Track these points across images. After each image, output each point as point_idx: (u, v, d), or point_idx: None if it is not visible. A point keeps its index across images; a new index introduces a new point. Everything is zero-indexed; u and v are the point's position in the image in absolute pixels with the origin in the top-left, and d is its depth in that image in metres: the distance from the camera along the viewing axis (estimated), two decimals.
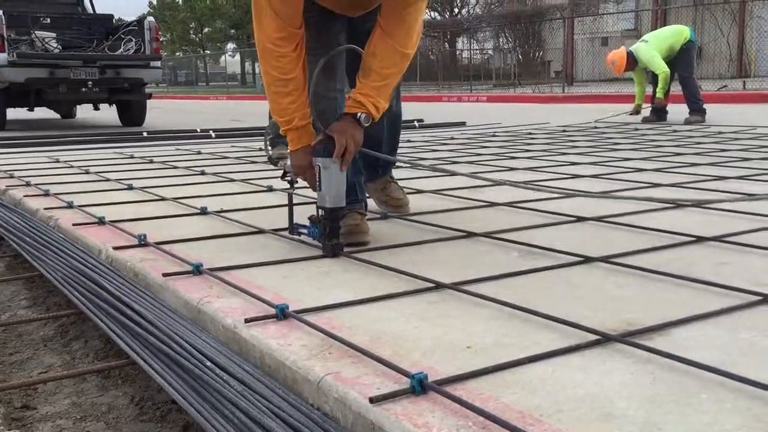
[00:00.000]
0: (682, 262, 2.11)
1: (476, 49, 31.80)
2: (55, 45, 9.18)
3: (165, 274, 2.07)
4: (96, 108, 10.97)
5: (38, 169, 4.84)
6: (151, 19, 10.10)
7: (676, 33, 7.95)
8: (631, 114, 8.28)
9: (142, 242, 2.47)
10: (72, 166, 4.98)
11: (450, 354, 1.45)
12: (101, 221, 2.88)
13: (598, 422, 1.15)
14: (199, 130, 7.83)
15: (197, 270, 2.09)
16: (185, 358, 1.54)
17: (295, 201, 2.47)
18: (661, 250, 2.25)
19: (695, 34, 8.15)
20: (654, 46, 7.77)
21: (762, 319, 1.61)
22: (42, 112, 11.25)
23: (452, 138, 6.65)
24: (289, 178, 2.46)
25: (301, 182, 2.43)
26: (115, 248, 2.44)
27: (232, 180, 4.11)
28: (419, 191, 3.48)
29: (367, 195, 2.83)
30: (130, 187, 3.84)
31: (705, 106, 7.93)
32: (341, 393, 1.28)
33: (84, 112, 12.15)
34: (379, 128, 2.62)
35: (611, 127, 7.43)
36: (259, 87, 28.43)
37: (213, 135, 7.57)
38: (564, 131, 7.15)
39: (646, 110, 8.14)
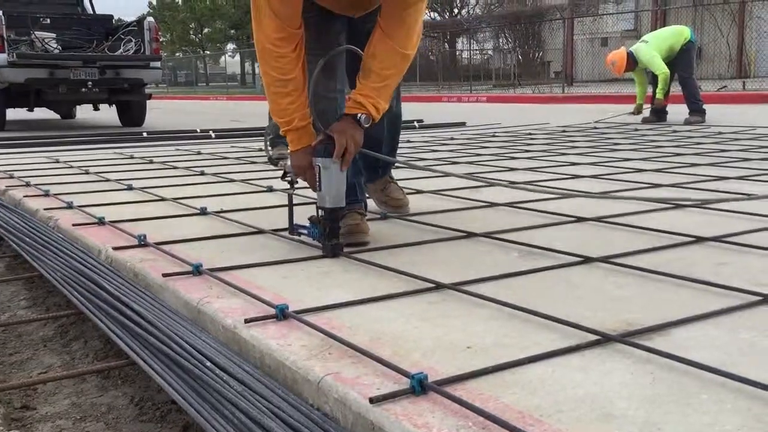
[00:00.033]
0: (682, 262, 2.11)
1: (476, 50, 31.83)
2: (54, 45, 9.18)
3: (165, 275, 2.07)
4: (96, 108, 10.98)
5: (38, 169, 4.84)
6: (150, 19, 10.10)
7: (676, 33, 7.95)
8: (632, 114, 8.28)
9: (142, 242, 2.47)
10: (72, 167, 4.98)
11: (450, 354, 1.45)
12: (101, 221, 2.88)
13: (597, 422, 1.15)
14: (198, 131, 7.83)
15: (197, 270, 2.09)
16: (185, 358, 1.54)
17: (295, 201, 2.47)
18: (660, 251, 2.25)
19: (695, 35, 8.16)
20: (654, 47, 7.77)
21: (762, 320, 1.61)
22: (42, 113, 11.25)
23: (452, 138, 6.65)
24: (289, 179, 2.46)
25: (301, 182, 2.43)
26: (115, 248, 2.44)
27: (232, 180, 4.11)
28: (419, 191, 3.48)
29: (367, 195, 2.83)
30: (130, 188, 3.84)
31: (705, 106, 7.93)
32: (341, 393, 1.28)
33: (84, 112, 12.15)
34: (379, 129, 2.61)
35: (611, 128, 7.43)
36: (258, 87, 28.43)
37: (213, 135, 7.57)
38: (564, 132, 7.15)
39: (647, 110, 8.14)
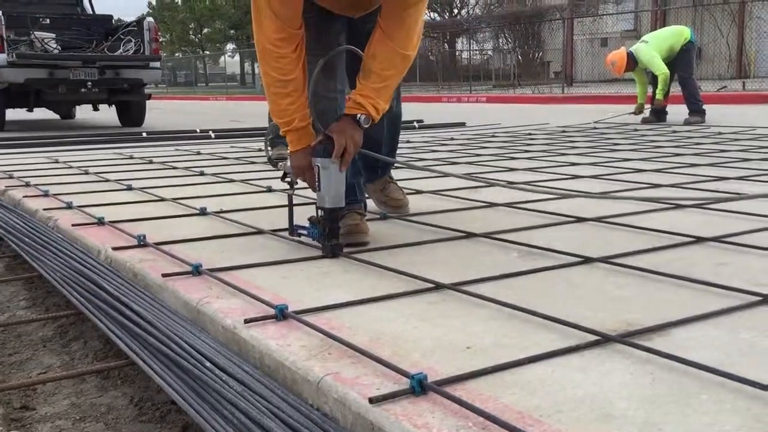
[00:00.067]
0: (682, 262, 2.11)
1: (476, 50, 31.85)
2: (54, 45, 9.18)
3: (164, 275, 2.07)
4: (95, 108, 10.98)
5: (38, 169, 4.84)
6: (150, 19, 10.11)
7: (676, 33, 7.96)
8: (634, 114, 8.27)
9: (142, 243, 2.47)
10: (71, 167, 4.97)
11: (450, 354, 1.45)
12: (100, 222, 2.88)
13: (597, 423, 1.15)
14: (198, 131, 7.83)
15: (197, 270, 2.08)
16: (184, 358, 1.54)
17: (295, 202, 2.47)
18: (660, 251, 2.25)
19: (695, 35, 8.16)
20: (654, 47, 7.77)
21: (762, 320, 1.61)
22: (41, 113, 11.25)
23: (452, 138, 6.65)
24: (289, 180, 2.46)
25: (301, 183, 2.43)
26: (115, 249, 2.44)
27: (231, 180, 4.11)
28: (419, 192, 3.48)
29: (367, 196, 2.83)
30: (130, 188, 3.84)
31: (704, 106, 7.94)
32: (341, 393, 1.28)
33: (83, 112, 12.15)
34: (379, 129, 2.61)
35: (611, 128, 7.43)
36: (258, 88, 28.44)
37: (212, 135, 7.57)
38: (563, 132, 7.15)
39: (648, 110, 8.15)
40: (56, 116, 12.23)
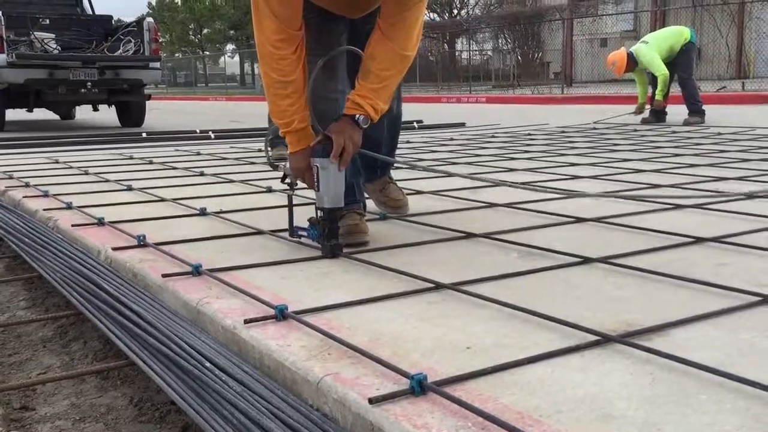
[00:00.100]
0: (682, 262, 2.11)
1: (475, 50, 31.85)
2: (54, 46, 9.18)
3: (164, 275, 2.07)
4: (95, 109, 10.97)
5: (37, 170, 4.84)
6: (150, 20, 10.11)
7: (676, 34, 7.96)
8: (635, 113, 8.27)
9: (142, 243, 2.47)
10: (71, 167, 4.97)
11: (449, 354, 1.45)
12: (100, 222, 2.88)
13: (597, 423, 1.15)
14: (198, 131, 7.83)
15: (196, 271, 2.08)
16: (184, 359, 1.54)
17: (295, 202, 2.47)
18: (660, 251, 2.25)
19: (695, 36, 8.16)
20: (654, 47, 7.77)
21: (761, 320, 1.61)
22: (41, 113, 11.25)
23: (451, 139, 6.65)
24: (289, 181, 2.46)
25: (301, 184, 2.43)
26: (115, 249, 2.44)
27: (231, 181, 4.11)
28: (418, 192, 3.48)
29: (367, 196, 2.83)
30: (130, 188, 3.84)
31: (704, 107, 7.94)
32: (340, 394, 1.28)
33: (83, 113, 12.15)
34: (379, 129, 2.62)
35: (610, 128, 7.44)
36: (258, 88, 28.45)
37: (212, 136, 7.57)
38: (563, 132, 7.15)
39: (648, 110, 8.15)
40: (56, 117, 12.23)
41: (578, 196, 3.15)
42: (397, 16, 2.22)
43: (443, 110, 13.62)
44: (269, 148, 3.14)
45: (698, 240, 2.36)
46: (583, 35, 25.41)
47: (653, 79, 7.94)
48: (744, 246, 2.27)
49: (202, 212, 3.06)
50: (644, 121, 8.02)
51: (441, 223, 2.73)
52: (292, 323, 1.64)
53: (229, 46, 55.11)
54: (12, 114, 9.99)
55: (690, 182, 3.60)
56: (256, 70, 36.26)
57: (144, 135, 7.63)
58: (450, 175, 2.81)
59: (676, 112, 7.98)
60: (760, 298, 1.72)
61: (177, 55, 53.42)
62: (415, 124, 8.21)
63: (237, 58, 52.93)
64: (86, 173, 4.62)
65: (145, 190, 3.75)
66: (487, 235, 2.50)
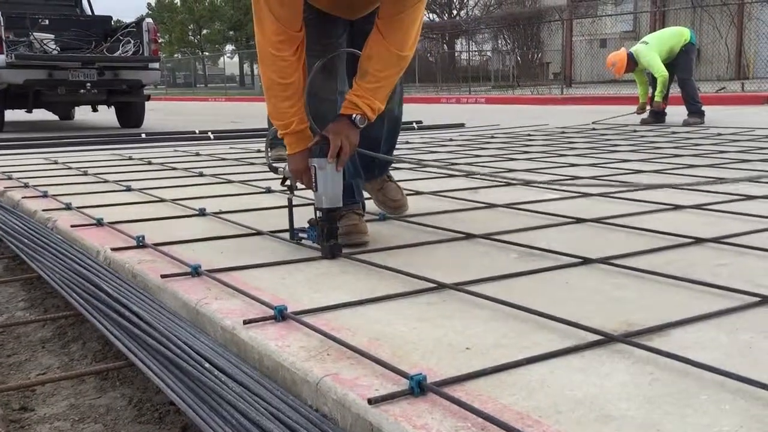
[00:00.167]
0: (681, 263, 2.11)
1: (475, 51, 31.88)
2: (53, 46, 9.18)
3: (163, 276, 2.06)
4: (94, 109, 10.98)
5: (37, 170, 4.84)
6: (149, 20, 10.10)
7: (676, 34, 7.96)
8: (637, 113, 8.27)
9: (141, 243, 2.47)
10: (70, 168, 4.97)
11: (449, 355, 1.45)
12: (99, 222, 2.88)
13: (597, 423, 1.15)
14: (197, 132, 7.83)
15: (196, 271, 2.08)
16: (183, 359, 1.54)
17: (295, 203, 2.47)
18: (659, 252, 2.25)
19: (695, 36, 8.17)
20: (654, 48, 7.77)
21: (761, 320, 1.61)
22: (40, 114, 11.25)
23: (451, 139, 6.65)
24: (288, 184, 2.46)
25: (300, 186, 2.43)
26: (114, 249, 2.43)
27: (230, 181, 4.11)
28: (418, 192, 3.48)
29: (367, 196, 2.83)
30: (129, 189, 3.84)
31: (704, 107, 7.94)
32: (340, 394, 1.28)
33: (82, 113, 12.15)
34: (378, 129, 2.61)
35: (610, 129, 7.44)
36: (257, 89, 28.47)
37: (211, 136, 7.57)
38: (563, 133, 7.15)
39: (648, 110, 8.15)
40: (55, 117, 12.23)
41: (578, 196, 3.15)
42: (395, 16, 2.22)
43: (443, 111, 13.62)
44: (269, 149, 3.14)
45: (698, 240, 2.36)
46: (582, 36, 25.42)
47: (653, 80, 7.95)
48: (743, 246, 2.27)
49: (202, 213, 3.05)
50: (643, 122, 8.03)
51: (441, 223, 2.73)
52: (292, 324, 1.64)
53: (229, 47, 55.13)
54: (11, 115, 9.99)
55: (689, 183, 3.60)
56: (255, 70, 36.27)
57: (143, 135, 7.63)
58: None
59: (676, 112, 7.99)
60: (759, 299, 1.72)
61: (176, 55, 53.43)
62: (414, 125, 8.21)
63: (236, 58, 52.96)
64: (85, 174, 4.62)
65: (144, 191, 3.75)
66: (486, 236, 2.50)
